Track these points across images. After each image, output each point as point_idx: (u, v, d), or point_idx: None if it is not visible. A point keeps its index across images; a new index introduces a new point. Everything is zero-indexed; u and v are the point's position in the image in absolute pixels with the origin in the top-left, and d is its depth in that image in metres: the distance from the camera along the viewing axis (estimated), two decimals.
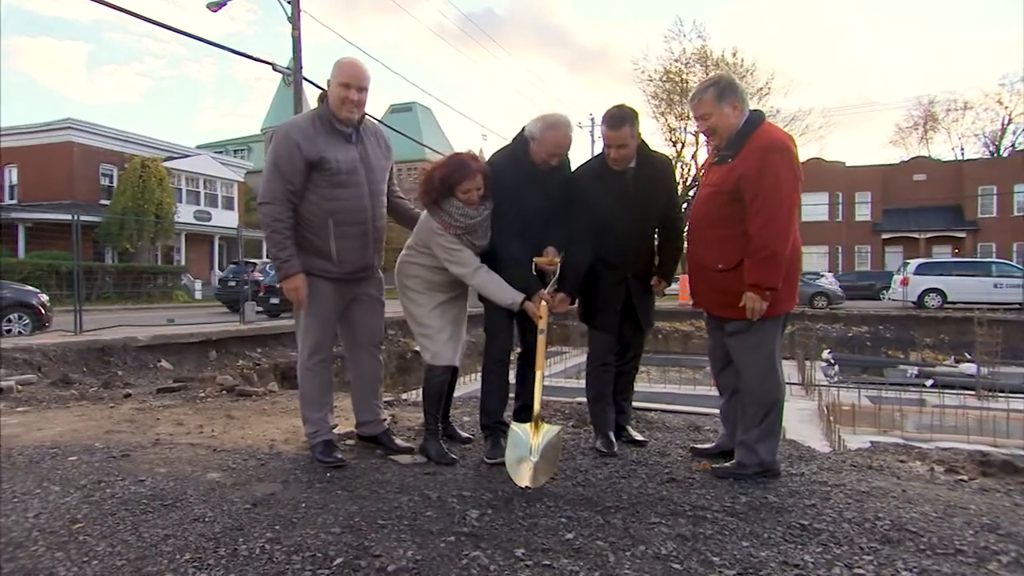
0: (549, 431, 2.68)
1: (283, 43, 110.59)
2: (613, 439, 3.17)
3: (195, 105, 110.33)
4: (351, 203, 2.86)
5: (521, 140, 2.96)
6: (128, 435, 3.52)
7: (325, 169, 2.78)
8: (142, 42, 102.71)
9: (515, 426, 2.73)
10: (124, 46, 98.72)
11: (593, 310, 3.15)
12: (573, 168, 3.12)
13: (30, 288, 10.42)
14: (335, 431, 3.14)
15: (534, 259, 2.94)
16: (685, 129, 30.03)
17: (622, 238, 3.02)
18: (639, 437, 3.34)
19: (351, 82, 2.80)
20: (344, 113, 2.83)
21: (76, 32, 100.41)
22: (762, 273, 2.61)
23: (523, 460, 2.57)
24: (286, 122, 2.92)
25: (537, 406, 2.76)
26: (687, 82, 29.43)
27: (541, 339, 2.86)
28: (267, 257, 14.31)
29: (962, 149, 42.54)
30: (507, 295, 2.84)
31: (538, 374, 2.85)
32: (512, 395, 3.29)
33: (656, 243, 3.27)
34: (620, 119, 2.87)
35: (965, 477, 2.95)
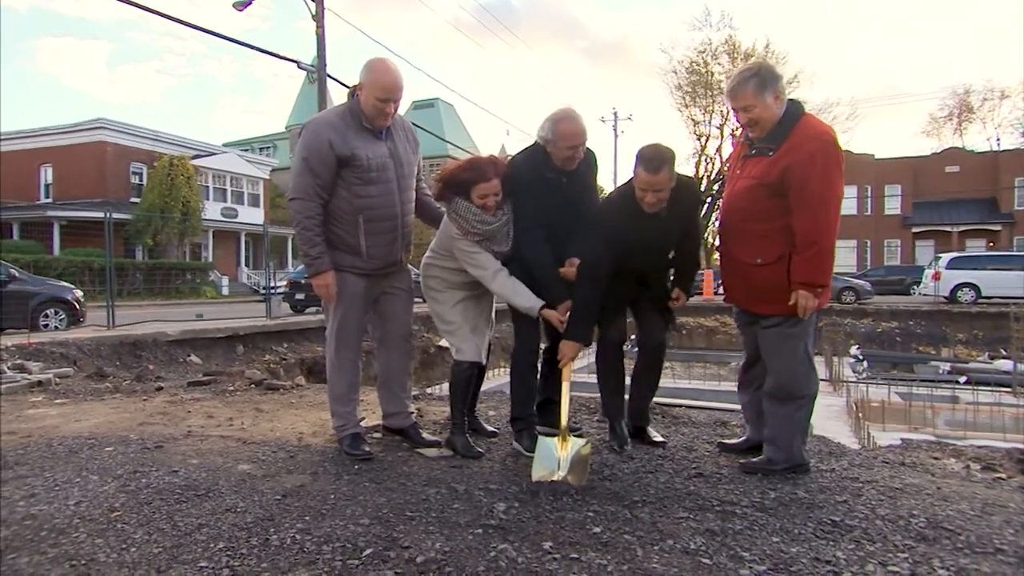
0: (576, 443, 2.64)
1: (299, 37, 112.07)
2: (625, 432, 3.09)
3: (214, 102, 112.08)
4: (381, 199, 2.86)
5: (537, 147, 2.93)
6: (161, 427, 3.61)
7: (356, 166, 2.78)
8: (162, 40, 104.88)
9: (543, 440, 2.69)
10: (144, 44, 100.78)
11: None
12: (598, 179, 3.05)
13: (65, 284, 10.73)
14: (362, 424, 3.17)
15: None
16: (709, 122, 29.70)
17: (643, 265, 2.95)
18: (659, 438, 3.23)
19: (389, 97, 2.76)
20: (379, 123, 2.83)
21: (98, 31, 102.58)
22: (813, 270, 2.54)
23: (550, 474, 2.58)
24: (316, 117, 2.92)
25: (564, 419, 2.72)
26: (712, 74, 29.05)
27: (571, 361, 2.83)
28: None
29: (998, 139, 41.37)
30: (525, 300, 2.81)
31: (564, 386, 2.80)
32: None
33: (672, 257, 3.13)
34: (659, 161, 2.64)
35: (1003, 475, 2.88)
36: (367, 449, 2.96)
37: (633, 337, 3.23)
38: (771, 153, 2.60)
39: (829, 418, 7.51)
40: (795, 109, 2.65)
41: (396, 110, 2.87)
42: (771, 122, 2.62)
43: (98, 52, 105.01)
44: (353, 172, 2.79)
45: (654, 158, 2.66)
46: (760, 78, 2.60)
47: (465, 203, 2.83)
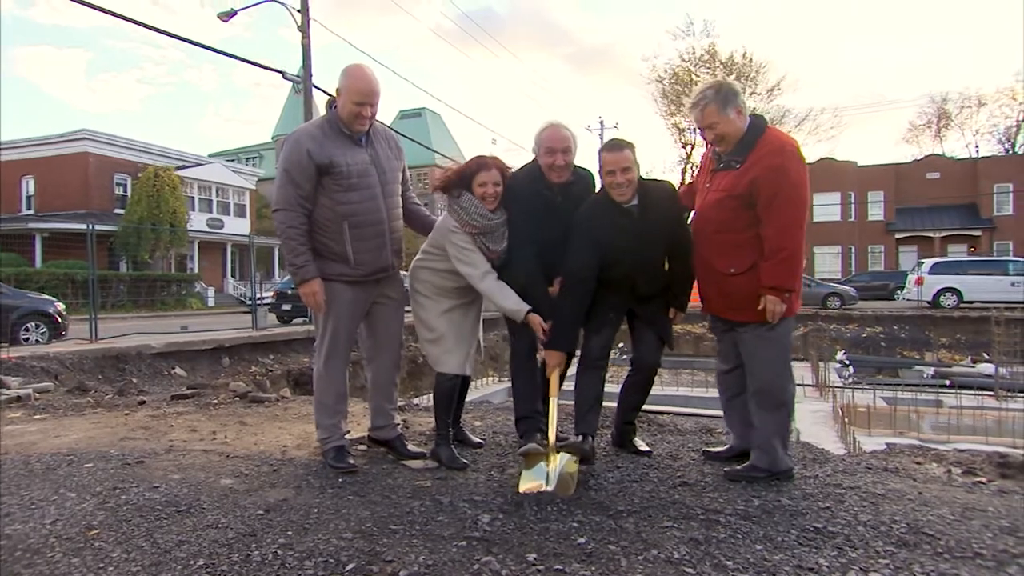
0: (564, 457, 2.64)
1: (281, 45, 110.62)
2: (592, 450, 2.93)
3: (196, 111, 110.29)
4: (364, 205, 2.88)
5: (534, 163, 2.99)
6: (143, 442, 3.56)
7: (335, 173, 2.81)
8: (141, 49, 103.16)
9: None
10: (123, 53, 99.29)
11: (590, 314, 2.99)
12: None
13: (47, 297, 10.56)
14: (346, 437, 3.14)
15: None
16: (694, 131, 29.93)
17: (629, 268, 2.90)
18: (644, 448, 3.23)
19: (365, 100, 2.82)
20: (356, 127, 2.87)
21: (75, 40, 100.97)
22: (782, 275, 2.62)
23: (538, 485, 2.57)
24: (297, 129, 2.97)
25: (552, 435, 2.72)
26: (696, 82, 29.36)
27: (557, 371, 2.84)
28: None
29: (977, 146, 42.08)
30: (512, 303, 2.84)
31: (552, 400, 2.81)
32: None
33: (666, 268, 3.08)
34: (619, 143, 2.82)
35: (983, 479, 2.91)
36: (352, 462, 2.94)
37: (621, 345, 3.23)
38: (738, 166, 2.70)
39: (815, 423, 7.55)
40: (759, 123, 2.76)
41: (374, 115, 2.90)
42: (736, 136, 2.71)
43: (76, 61, 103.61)
44: (333, 179, 2.82)
45: (613, 142, 2.84)
46: (720, 95, 2.70)
47: (468, 195, 2.90)
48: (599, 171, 2.85)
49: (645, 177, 2.91)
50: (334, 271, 2.90)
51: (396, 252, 3.06)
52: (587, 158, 3.07)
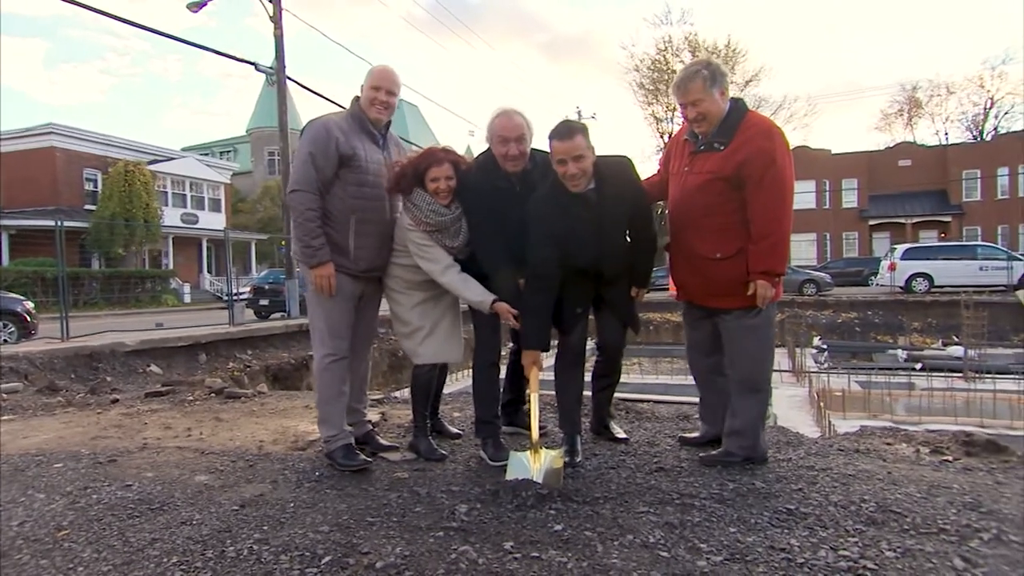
0: (548, 454, 2.60)
1: (248, 34, 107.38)
2: (578, 447, 2.91)
3: (163, 103, 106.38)
4: (373, 204, 2.91)
5: (488, 154, 2.91)
6: (115, 440, 3.50)
7: (354, 165, 2.84)
8: (102, 38, 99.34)
9: (515, 454, 2.66)
10: (83, 43, 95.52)
11: (560, 314, 2.92)
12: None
13: (14, 295, 10.33)
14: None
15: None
16: (672, 119, 30.09)
17: (592, 258, 2.79)
18: (621, 434, 3.24)
19: (381, 85, 2.92)
20: (373, 113, 2.93)
21: (31, 29, 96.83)
22: (772, 259, 2.62)
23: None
24: (323, 117, 2.98)
25: (535, 433, 2.69)
26: (674, 71, 29.47)
27: (535, 368, 2.80)
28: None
29: (946, 134, 42.88)
30: (476, 294, 2.81)
31: (532, 397, 2.77)
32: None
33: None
34: (569, 129, 2.62)
35: (949, 458, 2.98)
36: (364, 458, 2.85)
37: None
38: (721, 147, 2.66)
39: (792, 408, 7.69)
40: (740, 105, 2.74)
41: (391, 106, 2.97)
42: (718, 117, 2.68)
43: (33, 51, 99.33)
44: (351, 171, 2.85)
45: (563, 127, 2.66)
46: (709, 73, 2.67)
47: (420, 192, 2.85)
48: (551, 158, 2.68)
49: (599, 155, 2.75)
50: (334, 261, 2.86)
51: (390, 253, 3.03)
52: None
